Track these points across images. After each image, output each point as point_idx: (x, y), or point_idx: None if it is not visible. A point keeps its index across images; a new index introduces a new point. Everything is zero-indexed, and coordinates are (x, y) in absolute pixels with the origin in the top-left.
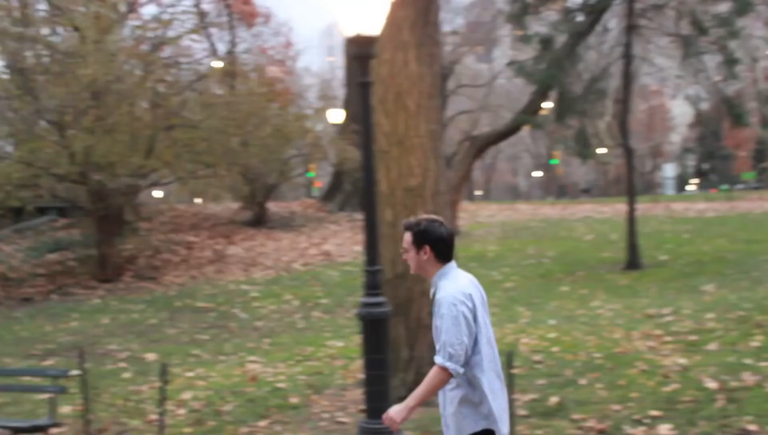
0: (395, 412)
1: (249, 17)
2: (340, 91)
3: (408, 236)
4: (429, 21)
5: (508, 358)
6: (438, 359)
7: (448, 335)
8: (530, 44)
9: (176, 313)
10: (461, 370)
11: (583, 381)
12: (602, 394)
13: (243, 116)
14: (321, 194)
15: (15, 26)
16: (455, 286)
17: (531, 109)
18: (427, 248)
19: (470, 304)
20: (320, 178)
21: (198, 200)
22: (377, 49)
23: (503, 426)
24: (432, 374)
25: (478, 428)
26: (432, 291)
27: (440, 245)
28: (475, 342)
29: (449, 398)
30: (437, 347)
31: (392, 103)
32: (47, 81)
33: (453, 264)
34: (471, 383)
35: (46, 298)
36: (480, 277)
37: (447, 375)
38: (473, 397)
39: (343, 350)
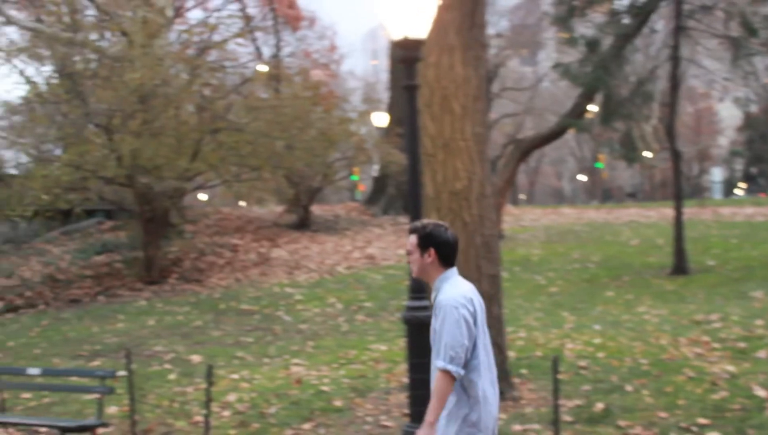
0: (422, 433)
1: (294, 21)
2: (384, 95)
3: (413, 239)
4: (475, 23)
5: (554, 364)
6: (440, 363)
7: (449, 338)
8: (576, 47)
9: (221, 316)
10: (462, 372)
11: (629, 387)
12: (649, 400)
13: (288, 119)
14: (365, 197)
15: (65, 32)
16: (457, 290)
17: (576, 112)
18: (432, 251)
19: (471, 308)
20: (364, 181)
21: (242, 203)
22: (423, 52)
23: (491, 434)
24: (437, 381)
25: (464, 434)
26: (433, 295)
27: (445, 249)
28: (474, 346)
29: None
30: (435, 350)
31: (438, 106)
32: (95, 85)
33: (455, 270)
34: (465, 388)
35: (93, 300)
36: (524, 282)
37: (451, 377)
38: (464, 403)
39: (386, 354)
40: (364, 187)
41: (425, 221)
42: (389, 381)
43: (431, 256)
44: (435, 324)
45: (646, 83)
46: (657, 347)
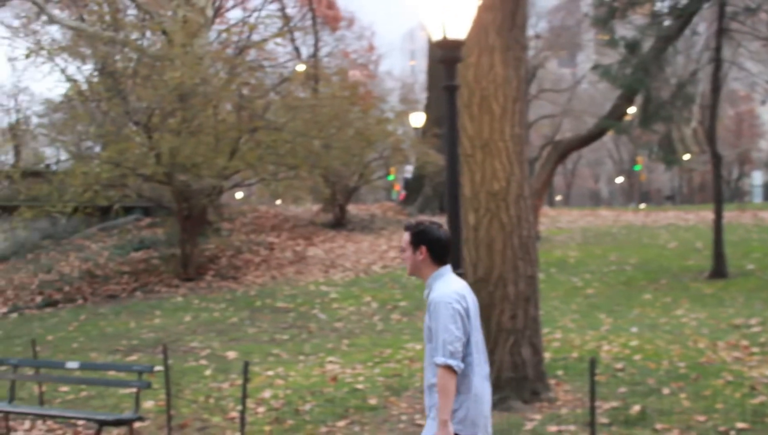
0: (441, 434)
1: (332, 21)
2: (421, 95)
3: (406, 236)
4: (516, 24)
5: (591, 365)
6: (439, 359)
7: (445, 333)
8: (616, 48)
9: (256, 313)
10: (463, 365)
11: (666, 390)
12: (686, 404)
13: (326, 119)
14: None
15: (106, 31)
16: (449, 287)
17: (616, 114)
18: (424, 249)
19: (464, 304)
20: (400, 181)
21: (278, 202)
22: (463, 52)
23: (480, 432)
24: (441, 379)
25: (454, 431)
26: (426, 293)
27: (436, 246)
28: (467, 343)
29: (435, 400)
30: (430, 347)
31: (477, 106)
32: (135, 84)
33: (448, 268)
34: (458, 385)
35: (130, 296)
36: (560, 283)
37: (453, 372)
38: (457, 399)
39: (421, 353)
40: (399, 187)
41: (419, 219)
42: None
43: (423, 253)
44: (429, 322)
45: (686, 85)
46: (695, 351)
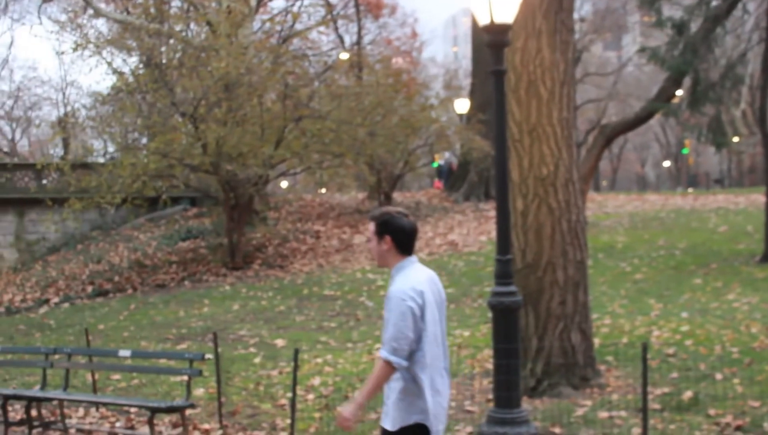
0: (348, 412)
1: (375, 9)
2: (464, 81)
3: (371, 226)
4: (563, 7)
5: (643, 350)
6: (382, 353)
7: (393, 329)
8: (662, 30)
9: (304, 301)
10: (405, 364)
11: (718, 376)
12: (739, 389)
13: (370, 107)
14: (446, 184)
15: (152, 23)
16: (408, 282)
17: (663, 97)
18: (388, 238)
19: (419, 301)
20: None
21: (323, 190)
22: (511, 36)
23: (438, 423)
24: (377, 368)
25: (411, 421)
26: (390, 283)
27: (401, 236)
28: (420, 339)
29: (391, 388)
30: (383, 340)
31: (524, 91)
32: (181, 75)
33: (413, 258)
34: (413, 378)
35: (178, 285)
36: (608, 269)
37: (391, 368)
38: (413, 390)
39: (469, 339)
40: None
41: (384, 209)
42: (473, 366)
43: (387, 243)
44: (385, 314)
45: (736, 66)
46: (747, 335)
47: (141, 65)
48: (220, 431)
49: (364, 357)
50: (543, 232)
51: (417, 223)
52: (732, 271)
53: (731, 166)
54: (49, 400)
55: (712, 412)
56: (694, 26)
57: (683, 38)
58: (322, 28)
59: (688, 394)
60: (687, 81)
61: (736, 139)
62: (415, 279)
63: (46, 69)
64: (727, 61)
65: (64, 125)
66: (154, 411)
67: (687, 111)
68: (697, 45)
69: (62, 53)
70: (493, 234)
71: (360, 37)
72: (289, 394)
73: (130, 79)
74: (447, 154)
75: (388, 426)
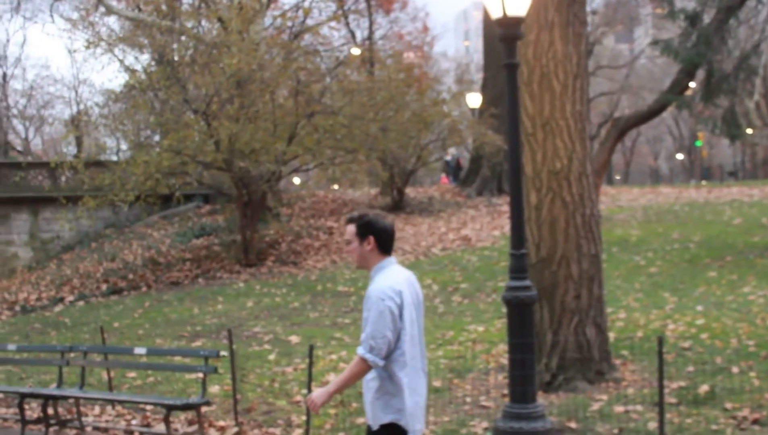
0: (317, 395)
1: (387, 3)
2: (476, 75)
3: (352, 228)
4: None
5: (659, 343)
6: (360, 350)
7: (372, 328)
8: (675, 21)
9: (318, 297)
10: (381, 363)
11: (735, 369)
12: (756, 383)
13: (382, 102)
14: (459, 179)
15: (163, 20)
16: (387, 281)
17: (676, 89)
18: (372, 239)
19: (398, 301)
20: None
21: (335, 186)
22: (523, 29)
23: (416, 422)
24: (353, 364)
25: (387, 420)
26: (369, 284)
27: (383, 236)
28: (398, 338)
29: (369, 387)
30: (361, 338)
31: (537, 84)
32: (193, 72)
33: (392, 259)
34: (390, 377)
35: (193, 282)
36: (622, 262)
37: (367, 366)
38: (389, 389)
39: (483, 334)
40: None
41: (363, 211)
42: (487, 361)
43: (371, 243)
44: (364, 312)
45: (749, 57)
46: (763, 328)
47: (153, 62)
48: (236, 428)
49: None
50: (557, 226)
51: (394, 224)
52: (747, 263)
53: (745, 158)
54: (66, 398)
55: (728, 405)
56: (707, 17)
57: (696, 30)
58: (333, 24)
59: (704, 388)
60: (700, 73)
61: (750, 131)
62: (394, 279)
63: (58, 67)
64: (741, 52)
65: (77, 123)
66: (170, 408)
67: (700, 103)
68: (711, 36)
69: (74, 51)
70: (507, 229)
71: (371, 32)
72: (304, 391)
73: (143, 76)
74: (453, 150)
75: (370, 423)
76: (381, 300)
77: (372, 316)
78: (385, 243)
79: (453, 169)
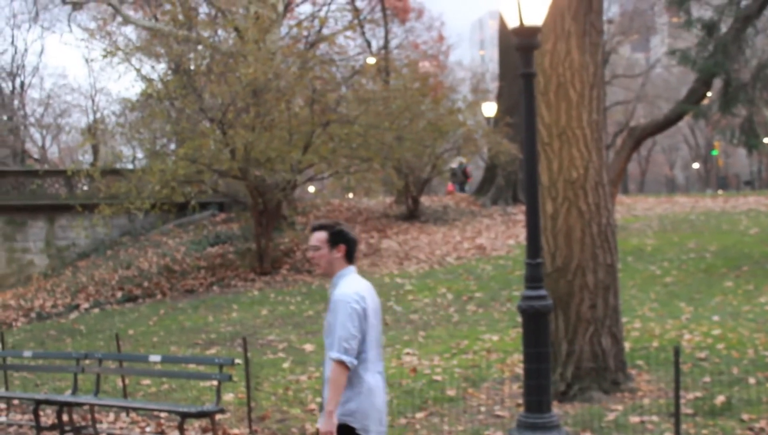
0: (325, 425)
1: (402, 13)
2: (492, 85)
3: (322, 235)
4: (592, 8)
5: (675, 354)
6: (334, 354)
7: (342, 330)
8: (692, 30)
9: None
10: (356, 362)
11: (751, 380)
12: None
13: (397, 111)
14: (474, 188)
15: (180, 29)
16: (352, 287)
17: (693, 98)
18: (342, 247)
19: (363, 305)
20: (472, 172)
21: (350, 195)
22: (540, 39)
23: (371, 423)
24: (333, 372)
25: (341, 421)
26: (330, 290)
27: (352, 246)
28: (363, 340)
29: (326, 394)
30: (328, 343)
31: (553, 94)
32: (209, 81)
33: (354, 268)
34: (350, 378)
35: (207, 290)
36: (638, 272)
37: (345, 368)
38: (347, 391)
39: (498, 344)
40: (471, 178)
41: (334, 220)
42: (502, 371)
43: (340, 251)
44: (329, 318)
45: (767, 66)
46: None
47: (169, 72)
48: None
49: (393, 362)
50: (573, 235)
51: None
52: (764, 273)
53: (762, 167)
54: (81, 404)
55: (745, 416)
56: (724, 26)
57: (713, 39)
58: (349, 33)
59: (720, 399)
60: (716, 82)
61: (767, 141)
62: (357, 285)
63: (75, 76)
64: (758, 61)
65: (93, 132)
66: (184, 416)
67: (717, 112)
68: (728, 46)
69: (92, 60)
70: (521, 238)
71: (387, 41)
72: (318, 399)
73: (159, 85)
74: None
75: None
76: (347, 303)
77: (340, 319)
78: (351, 252)
79: (459, 177)
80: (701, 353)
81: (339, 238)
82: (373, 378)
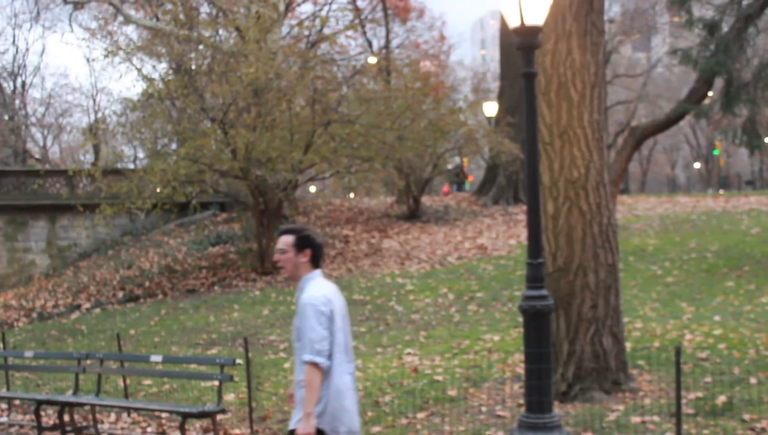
0: (304, 428)
1: (403, 12)
2: (493, 84)
3: (289, 239)
4: (593, 8)
5: (677, 354)
6: (307, 357)
7: (312, 333)
8: (693, 30)
9: None
10: (329, 363)
11: (753, 380)
12: None
13: (398, 111)
14: (475, 188)
15: (181, 29)
16: (319, 290)
17: (694, 98)
18: (308, 252)
19: (330, 307)
20: (473, 171)
21: (351, 195)
22: (541, 38)
23: (340, 424)
24: (307, 374)
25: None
26: (297, 294)
27: (318, 250)
28: (331, 342)
29: (299, 387)
30: (299, 346)
31: (555, 94)
32: (210, 81)
33: (320, 271)
34: None
35: (208, 290)
36: (639, 272)
37: (319, 369)
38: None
39: (499, 344)
40: (472, 178)
41: (302, 225)
42: (503, 371)
43: (306, 256)
44: (298, 322)
45: None
46: None
47: (171, 71)
48: None
49: (394, 362)
50: (574, 235)
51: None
52: (765, 273)
53: (763, 167)
54: (82, 405)
55: (746, 416)
56: (726, 26)
57: (715, 38)
58: (350, 33)
59: (722, 399)
60: (718, 81)
61: None
62: (324, 289)
63: (76, 76)
64: (760, 61)
65: (94, 131)
66: (186, 416)
67: (718, 112)
68: (729, 45)
69: (93, 60)
70: (523, 238)
71: (388, 40)
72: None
73: (160, 85)
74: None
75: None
76: (315, 306)
77: (309, 322)
78: (317, 257)
79: (460, 177)
80: (702, 353)
81: (305, 242)
82: (341, 380)
